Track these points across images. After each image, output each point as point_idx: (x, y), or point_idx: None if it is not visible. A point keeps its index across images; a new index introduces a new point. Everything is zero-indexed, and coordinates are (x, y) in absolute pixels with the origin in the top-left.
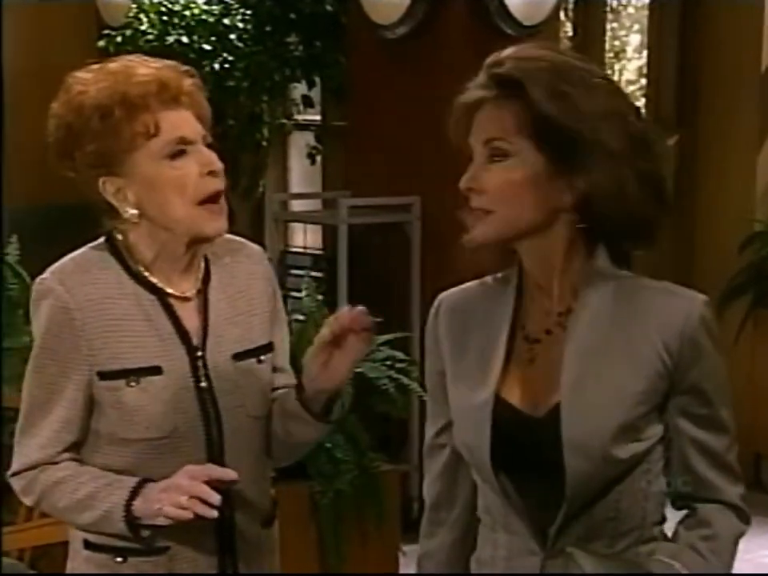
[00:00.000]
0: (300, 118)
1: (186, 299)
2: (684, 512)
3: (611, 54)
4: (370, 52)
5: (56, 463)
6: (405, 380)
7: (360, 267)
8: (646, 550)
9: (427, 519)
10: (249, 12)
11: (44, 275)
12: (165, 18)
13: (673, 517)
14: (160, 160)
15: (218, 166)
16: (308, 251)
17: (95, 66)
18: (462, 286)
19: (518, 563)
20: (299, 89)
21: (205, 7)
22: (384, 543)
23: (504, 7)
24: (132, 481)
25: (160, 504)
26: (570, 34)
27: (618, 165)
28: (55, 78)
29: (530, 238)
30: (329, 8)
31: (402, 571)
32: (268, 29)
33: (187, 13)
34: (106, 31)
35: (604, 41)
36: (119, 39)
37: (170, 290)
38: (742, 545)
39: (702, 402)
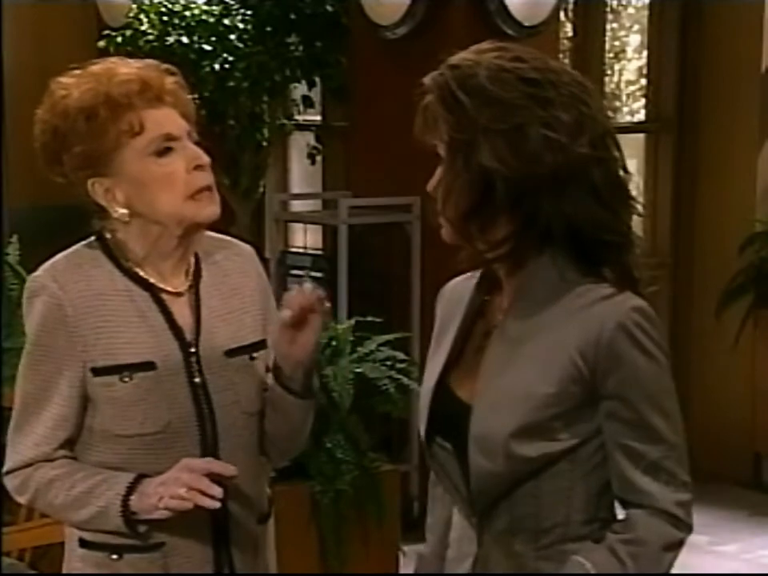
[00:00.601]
0: (300, 118)
1: (178, 294)
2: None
3: (611, 54)
4: (370, 52)
5: (51, 461)
6: (405, 380)
7: (360, 267)
8: (572, 549)
9: (429, 496)
10: (249, 12)
11: (37, 273)
12: (165, 18)
13: None
14: (146, 157)
15: (205, 159)
16: (308, 251)
17: (77, 71)
18: (464, 276)
19: (464, 552)
20: (299, 89)
21: (205, 8)
22: (384, 543)
23: (504, 8)
24: (128, 476)
25: (159, 497)
26: (570, 34)
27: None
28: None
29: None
30: (329, 8)
31: (402, 571)
32: (268, 29)
33: (187, 13)
34: (106, 31)
35: (604, 41)
36: (119, 39)
37: (162, 286)
38: (742, 545)
39: (628, 408)
